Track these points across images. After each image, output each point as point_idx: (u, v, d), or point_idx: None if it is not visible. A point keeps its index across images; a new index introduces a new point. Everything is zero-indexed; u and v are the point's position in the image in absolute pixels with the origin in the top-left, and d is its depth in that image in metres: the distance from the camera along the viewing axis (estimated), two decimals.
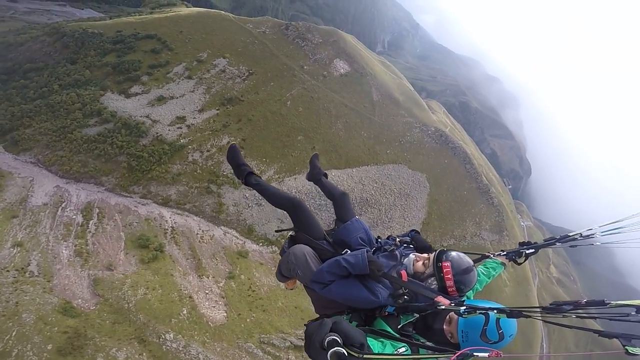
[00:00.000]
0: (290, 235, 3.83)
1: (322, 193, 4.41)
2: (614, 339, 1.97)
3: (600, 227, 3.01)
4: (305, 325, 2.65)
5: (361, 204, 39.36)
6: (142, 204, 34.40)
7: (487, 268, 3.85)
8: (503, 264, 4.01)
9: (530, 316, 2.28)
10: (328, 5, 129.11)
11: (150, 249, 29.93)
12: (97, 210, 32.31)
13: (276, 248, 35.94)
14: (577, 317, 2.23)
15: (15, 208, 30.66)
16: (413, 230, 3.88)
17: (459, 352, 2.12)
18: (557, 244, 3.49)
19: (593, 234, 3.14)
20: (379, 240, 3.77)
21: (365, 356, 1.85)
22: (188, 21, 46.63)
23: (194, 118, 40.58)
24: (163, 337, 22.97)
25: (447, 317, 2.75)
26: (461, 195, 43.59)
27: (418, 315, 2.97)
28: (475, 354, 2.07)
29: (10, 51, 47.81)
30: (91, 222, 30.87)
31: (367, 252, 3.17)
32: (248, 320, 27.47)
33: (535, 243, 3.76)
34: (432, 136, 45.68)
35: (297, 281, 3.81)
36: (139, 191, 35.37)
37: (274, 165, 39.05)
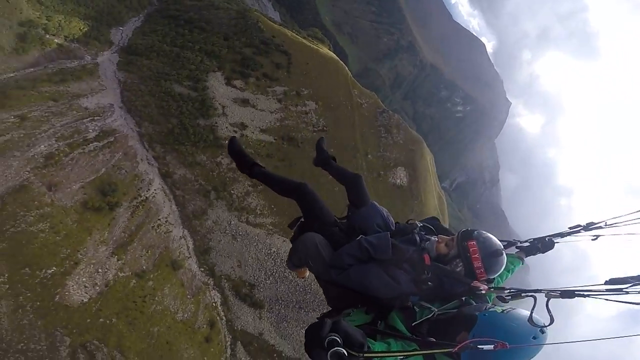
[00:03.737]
0: (301, 222, 3.24)
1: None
2: None
3: (626, 215, 2.54)
4: (317, 318, 2.18)
5: None
6: (148, 162, 31.21)
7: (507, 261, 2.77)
8: (520, 259, 3.28)
9: (586, 295, 1.92)
10: (432, 119, 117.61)
11: (105, 199, 25.66)
12: (112, 140, 29.90)
13: (213, 281, 28.88)
14: None
15: (65, 97, 29.99)
16: (433, 217, 3.14)
17: (461, 344, 1.77)
18: (582, 231, 2.90)
19: (617, 224, 2.62)
20: (398, 224, 3.10)
21: (365, 355, 1.61)
22: (318, 59, 45.32)
23: (252, 132, 37.23)
24: None
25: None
26: None
27: (436, 310, 2.33)
28: (479, 346, 1.74)
29: (207, 10, 50.85)
30: (94, 144, 28.33)
31: (389, 234, 2.72)
32: (101, 320, 20.50)
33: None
34: None
35: (308, 271, 3.21)
36: (157, 151, 32.45)
37: (277, 217, 32.64)
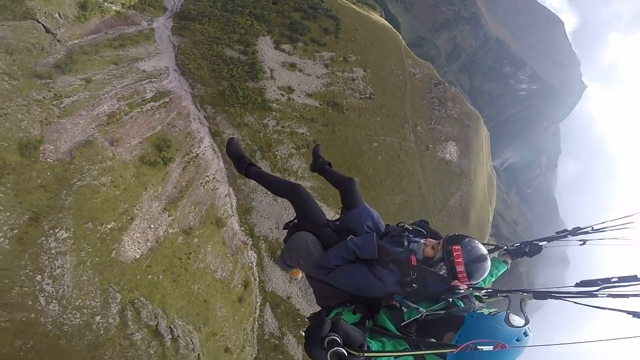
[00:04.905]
0: (293, 223, 3.22)
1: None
2: None
3: (612, 221, 2.54)
4: (307, 318, 2.58)
5: None
6: (199, 122, 31.56)
7: (491, 266, 2.77)
8: (506, 262, 3.31)
9: (558, 298, 1.91)
10: (490, 95, 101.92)
11: (160, 154, 26.33)
12: (167, 100, 30.43)
13: (251, 241, 29.36)
14: (610, 296, 1.79)
15: (125, 60, 30.68)
16: (423, 220, 3.15)
17: (462, 345, 1.76)
18: (569, 236, 2.90)
19: (604, 229, 2.61)
20: (388, 226, 3.12)
21: (365, 354, 1.59)
22: (368, 25, 42.07)
23: (298, 96, 36.03)
24: (57, 231, 18.24)
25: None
26: None
27: (424, 311, 2.29)
28: (479, 347, 1.74)
29: None
30: (151, 104, 28.99)
31: (375, 236, 2.72)
32: (150, 276, 21.45)
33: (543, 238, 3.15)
34: None
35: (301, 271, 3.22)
36: (209, 111, 32.72)
37: (316, 181, 31.88)
